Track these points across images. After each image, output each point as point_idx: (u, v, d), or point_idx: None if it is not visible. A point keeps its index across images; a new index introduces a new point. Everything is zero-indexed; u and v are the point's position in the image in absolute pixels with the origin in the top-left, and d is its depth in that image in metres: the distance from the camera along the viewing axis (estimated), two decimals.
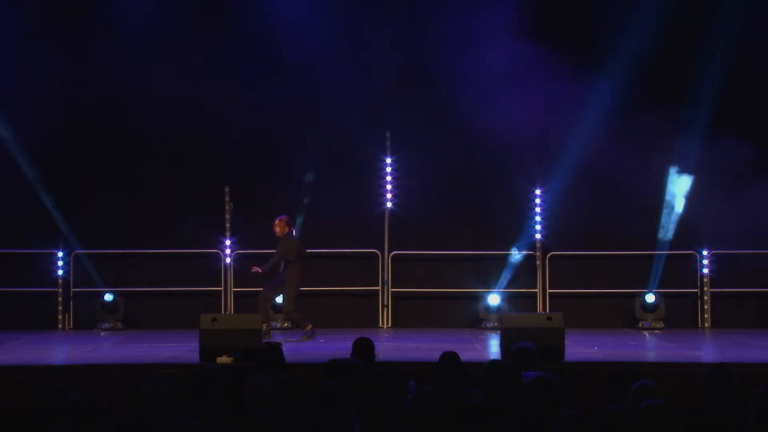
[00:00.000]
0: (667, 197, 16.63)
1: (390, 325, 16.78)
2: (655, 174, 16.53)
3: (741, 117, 16.53)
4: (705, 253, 16.72)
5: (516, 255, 16.73)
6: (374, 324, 16.57)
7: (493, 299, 16.41)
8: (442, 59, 16.59)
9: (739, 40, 16.10)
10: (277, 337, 13.60)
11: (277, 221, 14.48)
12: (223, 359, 11.36)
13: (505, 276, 16.68)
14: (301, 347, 13.60)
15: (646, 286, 16.54)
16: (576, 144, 16.25)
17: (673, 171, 16.54)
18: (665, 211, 16.64)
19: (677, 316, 16.62)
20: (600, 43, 16.26)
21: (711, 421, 6.67)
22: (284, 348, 8.94)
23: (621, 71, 16.11)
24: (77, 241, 16.63)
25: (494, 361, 7.66)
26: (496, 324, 15.40)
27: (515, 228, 16.83)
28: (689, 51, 16.23)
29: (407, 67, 16.65)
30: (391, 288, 16.87)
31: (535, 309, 16.36)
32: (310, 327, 14.34)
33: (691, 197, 16.59)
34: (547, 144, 16.47)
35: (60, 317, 16.67)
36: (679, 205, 16.62)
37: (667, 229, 16.66)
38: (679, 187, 16.58)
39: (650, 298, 16.36)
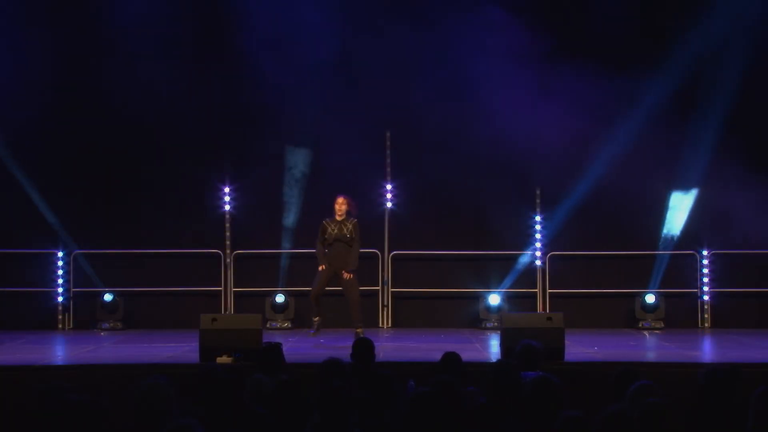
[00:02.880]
0: (669, 213, 16.64)
1: (390, 325, 16.79)
2: (657, 175, 16.51)
3: (744, 118, 16.50)
4: (705, 253, 16.73)
5: (526, 257, 16.73)
6: (374, 324, 16.57)
7: (493, 299, 16.41)
8: (444, 59, 16.60)
9: (752, 53, 16.14)
10: (277, 338, 13.59)
11: (344, 199, 13.96)
12: (223, 359, 11.36)
13: (511, 277, 16.68)
14: (301, 347, 13.60)
15: (646, 286, 16.55)
16: (578, 144, 16.25)
17: (677, 190, 16.54)
18: (667, 225, 16.66)
19: (677, 316, 16.62)
20: (605, 47, 16.30)
21: (711, 421, 6.67)
22: (284, 348, 8.94)
23: (626, 73, 16.14)
24: (71, 240, 16.63)
25: (500, 361, 7.67)
26: (496, 324, 15.40)
27: (516, 228, 16.83)
28: (697, 58, 16.19)
29: (408, 66, 16.62)
30: (391, 288, 16.87)
31: (535, 309, 16.37)
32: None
33: (693, 200, 16.61)
34: (549, 144, 16.45)
35: (60, 317, 16.67)
36: (680, 222, 16.64)
37: (668, 242, 16.68)
38: (683, 202, 16.59)
39: (650, 298, 16.36)
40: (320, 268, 13.94)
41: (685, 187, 16.58)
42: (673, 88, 16.23)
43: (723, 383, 6.85)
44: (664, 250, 16.69)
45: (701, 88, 16.23)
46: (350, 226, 13.93)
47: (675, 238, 16.70)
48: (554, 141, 16.39)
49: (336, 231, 13.88)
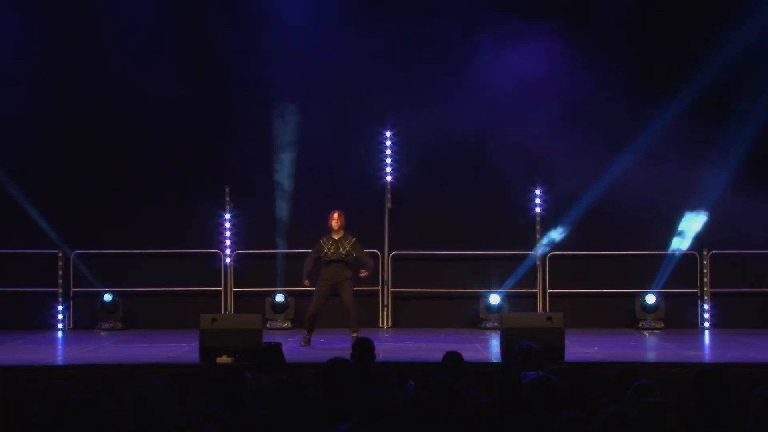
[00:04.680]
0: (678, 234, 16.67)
1: (390, 325, 16.78)
2: (658, 175, 16.46)
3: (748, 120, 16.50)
4: (705, 253, 16.72)
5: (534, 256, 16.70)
6: (374, 324, 16.56)
7: (494, 299, 16.41)
8: (444, 56, 16.58)
9: None
10: (277, 338, 13.59)
11: (340, 213, 13.75)
12: (223, 359, 11.36)
13: (514, 277, 16.68)
14: (301, 347, 13.60)
15: (647, 286, 16.54)
16: (579, 144, 16.22)
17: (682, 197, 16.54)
18: (676, 239, 16.68)
19: (677, 316, 16.61)
20: (612, 43, 16.31)
21: (711, 421, 6.67)
22: (284, 348, 8.94)
23: (631, 73, 16.16)
24: (71, 240, 16.63)
25: (505, 363, 7.67)
26: (496, 324, 15.40)
27: (515, 228, 16.84)
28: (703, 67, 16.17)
29: (409, 61, 16.60)
30: (391, 288, 16.87)
31: (535, 309, 16.36)
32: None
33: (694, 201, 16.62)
34: (550, 144, 16.43)
35: (60, 317, 16.67)
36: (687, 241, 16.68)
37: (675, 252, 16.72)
38: (692, 226, 16.61)
39: (650, 298, 16.35)
40: (304, 283, 13.72)
41: (690, 194, 16.48)
42: (683, 93, 16.18)
43: (711, 384, 6.85)
44: (662, 249, 16.69)
45: (710, 94, 16.17)
46: (348, 247, 13.66)
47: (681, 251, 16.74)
48: (556, 141, 16.37)
49: (333, 250, 13.64)
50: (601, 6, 16.31)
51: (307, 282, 13.74)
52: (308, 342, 13.77)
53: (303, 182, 16.69)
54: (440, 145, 16.68)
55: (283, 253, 16.71)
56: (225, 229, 16.89)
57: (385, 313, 16.84)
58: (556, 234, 16.76)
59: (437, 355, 8.92)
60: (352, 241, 13.75)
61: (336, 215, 13.76)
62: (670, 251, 16.67)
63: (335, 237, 13.72)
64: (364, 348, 8.88)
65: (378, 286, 16.80)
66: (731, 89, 16.23)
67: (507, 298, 16.52)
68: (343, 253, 13.65)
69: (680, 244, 16.68)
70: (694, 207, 16.53)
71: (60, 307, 16.68)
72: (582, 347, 13.05)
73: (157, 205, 16.87)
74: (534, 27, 16.18)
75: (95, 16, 16.67)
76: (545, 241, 16.81)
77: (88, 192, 16.82)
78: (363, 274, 13.86)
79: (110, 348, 14.13)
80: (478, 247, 16.89)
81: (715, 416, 6.68)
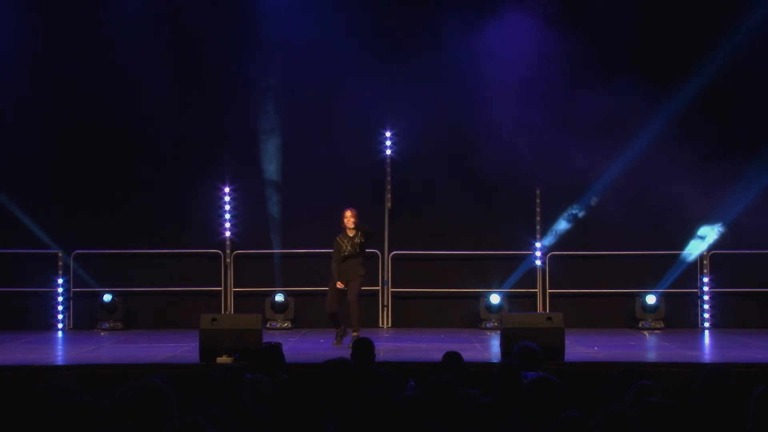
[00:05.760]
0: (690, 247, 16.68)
1: (390, 325, 16.78)
2: (660, 176, 16.47)
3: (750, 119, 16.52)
4: (705, 253, 16.72)
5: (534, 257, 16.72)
6: (374, 324, 16.56)
7: (494, 299, 16.40)
8: (445, 56, 16.57)
9: None
10: (277, 338, 13.59)
11: (353, 212, 13.78)
12: (223, 359, 11.36)
13: (514, 276, 16.68)
14: (300, 347, 13.60)
15: (647, 286, 16.53)
16: (580, 145, 16.22)
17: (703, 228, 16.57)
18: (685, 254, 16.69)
19: (677, 316, 16.61)
20: (610, 50, 16.33)
21: (708, 421, 6.67)
22: (284, 348, 8.94)
23: (633, 71, 16.16)
24: (71, 240, 16.63)
25: (505, 362, 7.68)
26: (496, 324, 15.40)
27: (515, 228, 16.83)
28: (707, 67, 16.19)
29: (409, 64, 16.60)
30: (391, 288, 16.87)
31: (535, 309, 16.36)
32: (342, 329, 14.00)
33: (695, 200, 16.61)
34: (550, 143, 16.42)
35: (60, 317, 16.67)
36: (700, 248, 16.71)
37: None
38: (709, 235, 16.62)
39: (650, 298, 16.35)
40: (338, 285, 13.74)
41: (690, 195, 16.47)
42: (685, 92, 16.16)
43: (718, 385, 6.85)
44: (662, 249, 16.69)
45: (712, 93, 16.16)
46: (358, 239, 13.74)
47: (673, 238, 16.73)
48: (556, 141, 16.37)
49: (349, 247, 13.73)
50: (603, 4, 16.32)
51: (340, 284, 13.75)
52: (340, 339, 13.78)
53: (303, 181, 16.68)
54: (440, 144, 16.67)
55: (283, 252, 16.72)
56: (225, 229, 16.89)
57: (385, 313, 16.84)
58: (556, 234, 16.76)
59: (437, 355, 8.92)
60: (360, 231, 13.81)
61: (349, 213, 13.81)
62: (683, 254, 16.66)
63: (350, 234, 13.79)
64: (364, 348, 8.89)
65: (378, 286, 16.81)
66: (734, 89, 16.24)
67: (507, 298, 16.52)
68: (358, 246, 13.74)
69: (693, 250, 16.67)
70: (694, 207, 16.51)
71: (60, 307, 16.68)
72: (582, 347, 13.05)
73: (156, 205, 16.87)
74: (533, 26, 16.20)
75: (96, 15, 16.67)
76: (545, 240, 16.82)
77: (88, 192, 16.82)
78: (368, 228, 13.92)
79: (110, 348, 14.13)
80: (478, 247, 16.89)
81: (715, 416, 6.68)
